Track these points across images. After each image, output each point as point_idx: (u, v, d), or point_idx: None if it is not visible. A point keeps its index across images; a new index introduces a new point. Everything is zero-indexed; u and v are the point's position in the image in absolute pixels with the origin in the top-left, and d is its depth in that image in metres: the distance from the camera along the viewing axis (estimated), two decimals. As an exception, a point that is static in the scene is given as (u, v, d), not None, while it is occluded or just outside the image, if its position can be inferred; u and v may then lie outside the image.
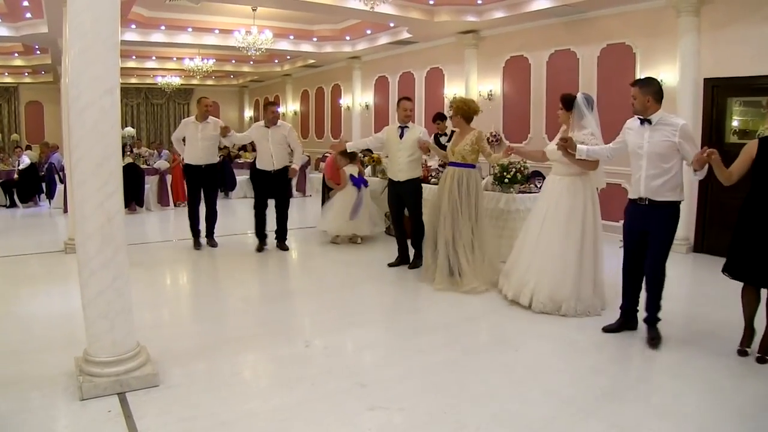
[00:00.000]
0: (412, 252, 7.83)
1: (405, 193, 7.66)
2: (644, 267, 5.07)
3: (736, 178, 4.70)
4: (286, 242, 8.86)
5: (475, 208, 6.70)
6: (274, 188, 8.62)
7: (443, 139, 10.07)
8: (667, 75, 8.80)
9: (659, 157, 4.86)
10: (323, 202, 10.27)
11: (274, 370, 4.68)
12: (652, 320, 5.08)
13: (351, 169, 9.44)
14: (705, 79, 8.43)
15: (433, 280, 6.76)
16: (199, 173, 8.65)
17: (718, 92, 8.33)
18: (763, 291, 4.74)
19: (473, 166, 6.82)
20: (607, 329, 5.31)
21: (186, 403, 3.90)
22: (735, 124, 8.23)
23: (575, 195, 5.75)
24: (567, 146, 5.46)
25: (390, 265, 7.82)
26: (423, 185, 7.92)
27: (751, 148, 4.69)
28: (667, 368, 4.62)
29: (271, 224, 8.85)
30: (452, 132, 9.54)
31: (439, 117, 10.55)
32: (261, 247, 8.76)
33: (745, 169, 4.68)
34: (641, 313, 5.25)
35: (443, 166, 9.06)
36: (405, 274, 7.45)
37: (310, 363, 4.67)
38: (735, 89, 8.17)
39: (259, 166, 8.65)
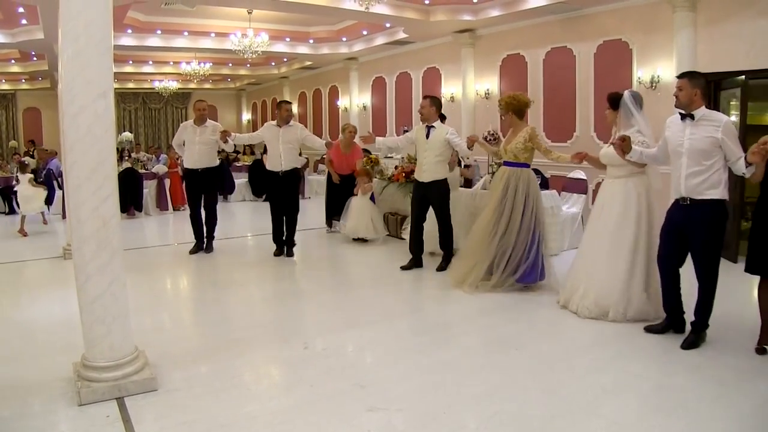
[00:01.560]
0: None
1: (431, 195, 7.44)
2: (695, 271, 4.88)
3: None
4: (293, 249, 8.61)
5: (526, 208, 6.41)
6: (281, 191, 8.40)
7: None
8: (664, 71, 8.82)
9: (701, 153, 4.68)
10: (327, 198, 10.24)
11: (273, 372, 4.68)
12: (698, 326, 4.90)
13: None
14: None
15: (475, 286, 6.50)
16: (197, 177, 8.53)
17: (716, 87, 8.31)
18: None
19: (527, 166, 6.54)
20: (651, 329, 5.21)
21: (185, 407, 3.89)
22: (733, 119, 8.20)
23: (627, 198, 5.52)
24: (623, 146, 5.16)
25: (403, 268, 7.62)
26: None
27: None
28: (670, 364, 4.59)
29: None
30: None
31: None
32: (277, 252, 8.56)
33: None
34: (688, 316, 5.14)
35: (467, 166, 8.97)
36: (405, 276, 7.44)
37: (309, 364, 4.65)
38: (731, 84, 8.15)
39: (268, 167, 8.53)
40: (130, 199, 12.49)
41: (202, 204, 8.71)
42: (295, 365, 4.66)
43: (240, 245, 9.67)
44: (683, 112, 4.79)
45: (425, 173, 7.41)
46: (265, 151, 15.38)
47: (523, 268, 6.43)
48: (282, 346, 5.07)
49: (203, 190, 8.66)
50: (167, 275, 7.99)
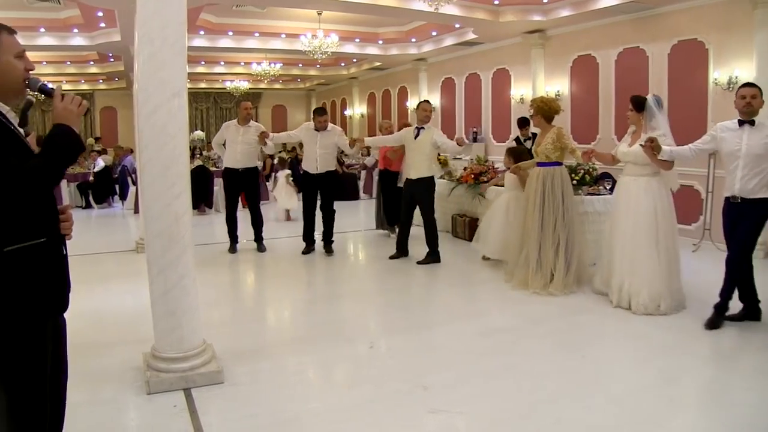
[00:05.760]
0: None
1: (417, 191, 8.00)
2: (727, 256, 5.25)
3: None
4: (332, 246, 8.75)
5: (563, 206, 6.61)
6: (319, 190, 8.60)
7: (528, 143, 10.08)
8: (742, 72, 8.49)
9: (757, 158, 5.02)
10: (384, 204, 9.92)
11: (337, 370, 4.70)
12: (721, 306, 5.26)
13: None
14: (785, 74, 8.10)
15: (526, 284, 6.60)
16: (237, 177, 8.70)
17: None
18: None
19: (559, 164, 6.74)
20: (732, 318, 5.38)
21: (249, 401, 3.96)
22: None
23: (653, 195, 5.79)
24: (653, 146, 5.48)
25: (391, 257, 8.26)
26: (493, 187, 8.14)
27: None
28: (744, 378, 4.43)
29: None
30: (533, 135, 9.53)
31: (524, 122, 10.58)
32: (307, 250, 8.74)
33: None
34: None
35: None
36: (469, 277, 7.41)
37: (373, 364, 4.68)
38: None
39: (304, 167, 8.77)
40: (201, 197, 12.78)
41: (246, 205, 8.92)
42: (360, 364, 4.70)
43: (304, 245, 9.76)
44: (743, 119, 5.13)
45: (413, 171, 8.01)
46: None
47: None
48: (346, 344, 5.11)
49: (246, 190, 8.87)
50: (235, 271, 8.16)
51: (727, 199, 5.28)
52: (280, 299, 6.78)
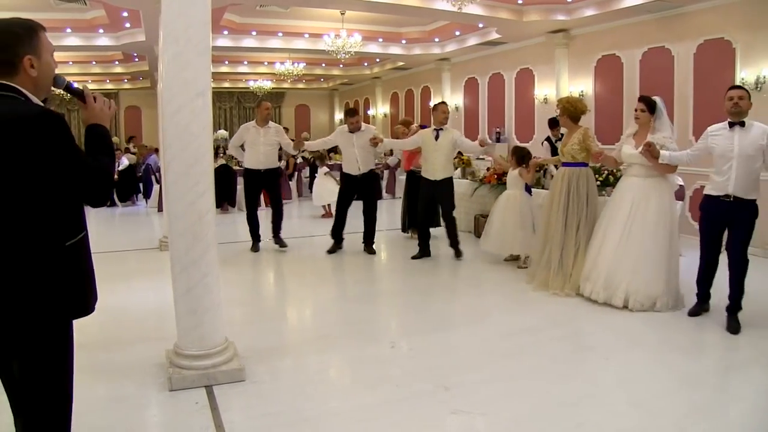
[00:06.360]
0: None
1: (440, 191, 8.09)
2: (729, 258, 5.33)
3: None
4: (374, 246, 8.80)
5: (587, 207, 6.58)
6: (359, 191, 8.67)
7: (559, 144, 10.02)
8: (771, 72, 8.39)
9: (750, 158, 5.13)
10: (408, 202, 9.70)
11: (359, 369, 4.70)
12: (735, 309, 5.31)
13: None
14: (814, 74, 7.99)
15: (547, 285, 6.57)
16: (260, 178, 8.74)
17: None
18: None
19: (585, 165, 6.72)
20: (694, 313, 5.65)
21: (270, 399, 3.98)
22: None
23: (662, 195, 5.92)
24: (651, 151, 5.60)
25: (413, 258, 8.28)
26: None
27: None
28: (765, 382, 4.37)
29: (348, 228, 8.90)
30: (563, 135, 9.52)
31: (554, 123, 10.54)
32: (333, 249, 8.76)
33: None
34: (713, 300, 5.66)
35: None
36: (493, 277, 7.39)
37: (395, 364, 4.67)
38: None
39: (344, 169, 8.75)
40: (224, 195, 12.85)
41: (269, 202, 8.95)
42: (381, 364, 4.69)
43: (328, 244, 9.78)
44: (733, 120, 5.22)
45: (437, 172, 8.07)
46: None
47: None
48: (368, 344, 5.10)
49: (268, 189, 8.95)
50: (257, 270, 8.19)
51: (716, 197, 5.32)
52: (302, 298, 6.81)
